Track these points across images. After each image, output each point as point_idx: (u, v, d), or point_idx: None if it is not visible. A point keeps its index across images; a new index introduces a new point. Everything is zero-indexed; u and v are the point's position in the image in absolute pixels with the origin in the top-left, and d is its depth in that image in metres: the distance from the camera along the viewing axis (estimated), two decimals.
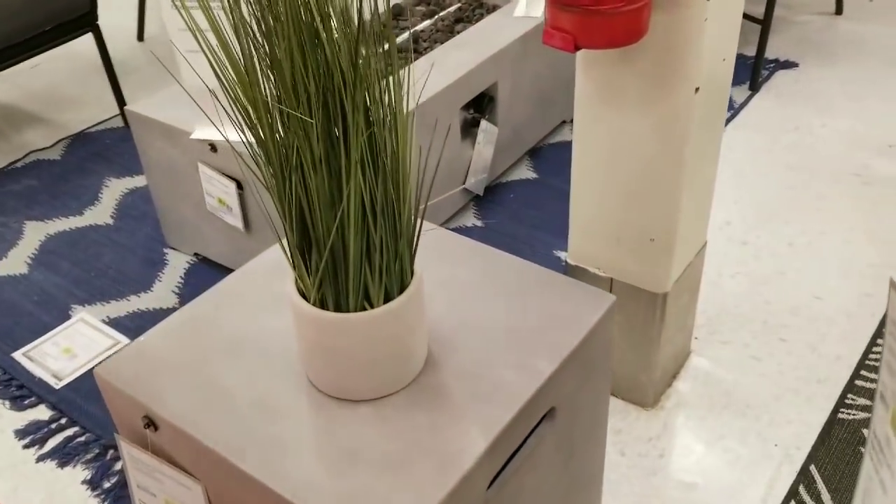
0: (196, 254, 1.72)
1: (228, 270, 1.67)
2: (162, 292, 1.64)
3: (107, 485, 1.28)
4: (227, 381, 0.83)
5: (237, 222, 1.53)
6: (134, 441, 0.86)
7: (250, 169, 0.73)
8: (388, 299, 0.75)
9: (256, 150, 0.70)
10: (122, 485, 1.28)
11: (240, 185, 1.49)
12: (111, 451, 1.33)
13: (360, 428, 0.77)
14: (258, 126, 0.68)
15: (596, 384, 0.92)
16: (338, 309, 0.74)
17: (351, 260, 0.71)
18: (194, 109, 1.52)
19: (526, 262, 0.96)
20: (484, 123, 1.73)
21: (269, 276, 0.96)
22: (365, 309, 0.74)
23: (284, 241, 0.75)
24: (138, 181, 1.96)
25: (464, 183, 1.75)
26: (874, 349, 1.40)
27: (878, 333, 1.42)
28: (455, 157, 1.69)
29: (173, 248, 1.74)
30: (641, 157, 1.11)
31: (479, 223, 1.75)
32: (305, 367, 0.82)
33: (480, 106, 1.75)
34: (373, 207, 0.70)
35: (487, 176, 1.79)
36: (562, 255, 1.64)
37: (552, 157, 1.93)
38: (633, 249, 1.19)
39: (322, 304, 0.75)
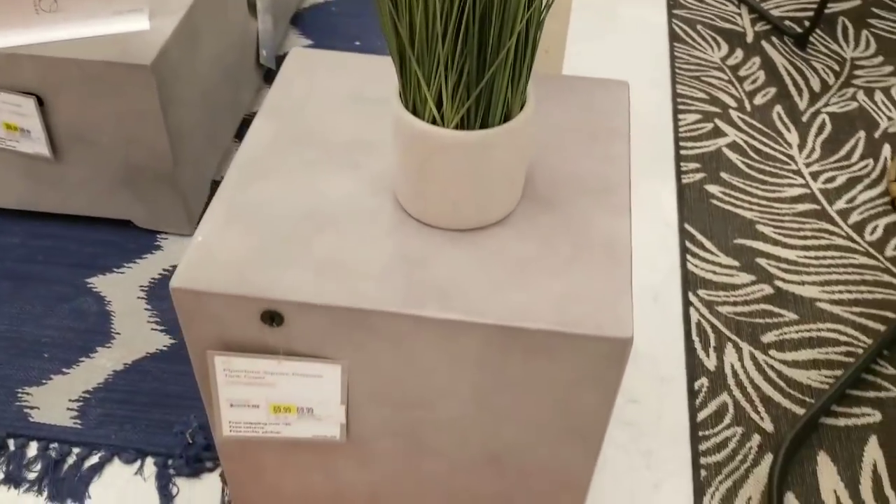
0: None
1: (28, 215, 1.38)
2: None
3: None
4: (333, 249, 0.74)
5: (40, 147, 1.27)
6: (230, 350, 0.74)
7: None
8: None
9: None
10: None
11: (40, 100, 1.22)
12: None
13: (508, 245, 0.75)
14: None
15: None
16: (483, 126, 0.70)
17: (507, 66, 0.67)
18: None
19: None
20: None
21: (277, 146, 0.84)
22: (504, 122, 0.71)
23: (416, 67, 0.67)
24: None
25: (258, 59, 1.62)
26: (679, 121, 1.62)
27: (676, 110, 1.65)
28: (245, 32, 1.55)
29: None
30: None
31: None
32: (420, 206, 0.76)
33: None
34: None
35: (273, 45, 1.67)
36: None
37: (318, 21, 1.86)
38: None
39: (462, 126, 0.70)
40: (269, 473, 0.88)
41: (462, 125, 0.70)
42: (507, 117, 0.71)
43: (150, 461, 1.10)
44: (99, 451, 1.10)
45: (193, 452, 1.10)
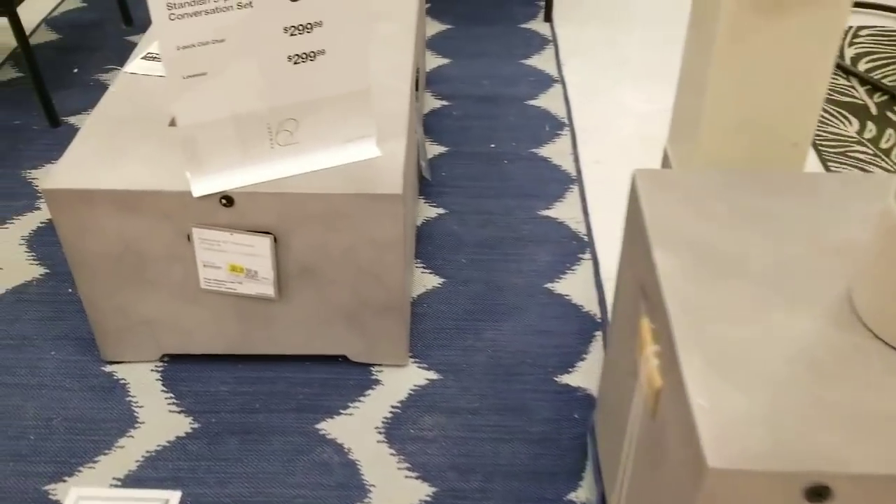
0: (165, 356, 1.27)
1: (229, 359, 1.27)
2: (159, 419, 1.19)
3: None
4: (841, 402, 0.67)
5: (265, 288, 1.17)
6: None
7: None
8: None
9: None
10: None
11: (274, 238, 1.13)
12: None
13: None
14: None
15: None
16: None
17: None
18: (172, 159, 1.11)
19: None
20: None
21: (700, 281, 0.77)
22: None
23: None
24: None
25: (421, 173, 1.55)
26: None
27: None
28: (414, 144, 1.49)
29: (117, 362, 1.26)
30: (794, 63, 1.12)
31: (441, 210, 1.58)
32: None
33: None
34: None
35: (426, 156, 1.61)
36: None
37: (443, 126, 1.80)
38: (772, 157, 1.21)
39: None
40: None
41: None
42: None
43: None
44: None
45: None
